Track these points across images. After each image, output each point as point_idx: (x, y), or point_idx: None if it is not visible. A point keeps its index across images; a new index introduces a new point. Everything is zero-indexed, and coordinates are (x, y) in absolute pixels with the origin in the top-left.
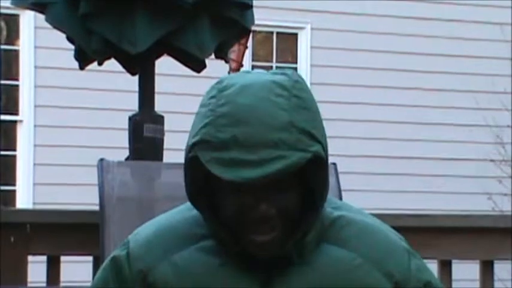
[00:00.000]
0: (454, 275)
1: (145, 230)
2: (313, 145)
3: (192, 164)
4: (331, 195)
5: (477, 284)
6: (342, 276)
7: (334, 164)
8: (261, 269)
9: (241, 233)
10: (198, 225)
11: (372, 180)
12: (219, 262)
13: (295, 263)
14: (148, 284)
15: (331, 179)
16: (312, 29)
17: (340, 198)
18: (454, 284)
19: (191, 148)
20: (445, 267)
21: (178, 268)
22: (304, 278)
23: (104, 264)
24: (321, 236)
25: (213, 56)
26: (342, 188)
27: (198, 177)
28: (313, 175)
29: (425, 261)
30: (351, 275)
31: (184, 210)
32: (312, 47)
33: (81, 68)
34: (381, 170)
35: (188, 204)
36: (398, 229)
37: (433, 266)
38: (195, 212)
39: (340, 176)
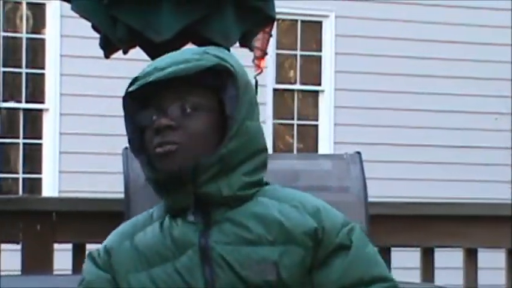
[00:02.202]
0: (480, 264)
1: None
2: (220, 61)
3: (127, 109)
4: (352, 185)
5: (502, 272)
6: (271, 219)
7: (359, 152)
8: (204, 220)
9: (153, 156)
10: (155, 213)
11: (396, 168)
12: (168, 226)
13: (231, 207)
14: (111, 263)
15: (356, 168)
16: (336, 17)
17: (365, 187)
18: (479, 272)
19: (125, 92)
20: (471, 255)
21: (135, 243)
22: (238, 222)
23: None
24: (261, 194)
25: (237, 44)
26: (367, 176)
27: (132, 129)
28: (223, 93)
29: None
30: (279, 218)
31: (144, 212)
32: (336, 35)
33: (106, 56)
34: (405, 158)
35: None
36: (422, 217)
37: (458, 254)
38: (152, 209)
39: (365, 164)
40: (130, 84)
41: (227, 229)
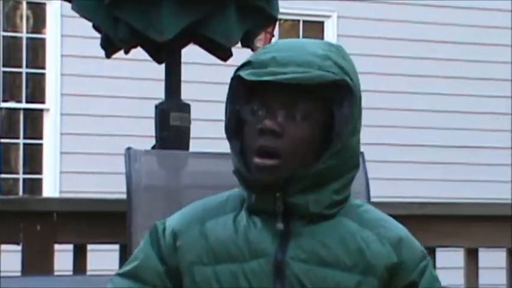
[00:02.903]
0: (481, 263)
1: (181, 209)
2: (342, 74)
3: (233, 91)
4: (354, 185)
5: (503, 272)
6: (352, 244)
7: (362, 152)
8: (283, 229)
9: (250, 156)
10: (230, 201)
11: (398, 168)
12: (244, 224)
13: (313, 221)
14: (177, 247)
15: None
16: (338, 17)
17: (368, 187)
18: (480, 272)
19: (234, 73)
20: (472, 255)
21: (205, 232)
22: (318, 239)
23: (145, 236)
24: (343, 213)
25: (239, 44)
26: (369, 176)
27: (234, 113)
28: (337, 109)
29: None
30: (360, 244)
31: (217, 195)
32: (338, 35)
33: (108, 56)
34: (406, 158)
35: (222, 193)
36: (424, 217)
37: (459, 254)
38: (227, 194)
39: (367, 165)
40: (242, 65)
41: (305, 244)
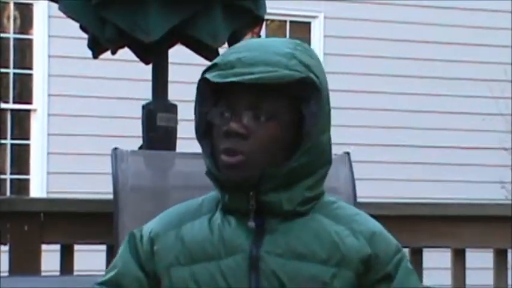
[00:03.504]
0: (468, 264)
1: (158, 215)
2: (308, 72)
3: (201, 93)
4: (340, 185)
5: (491, 272)
6: (326, 238)
7: (348, 153)
8: (257, 227)
9: (218, 156)
10: (205, 204)
11: (385, 168)
12: (219, 224)
13: (287, 219)
14: (154, 252)
15: (345, 168)
16: (325, 17)
17: (354, 187)
18: (467, 273)
19: (201, 75)
20: (459, 255)
21: (181, 235)
22: (292, 235)
23: (123, 243)
24: (316, 209)
25: (226, 44)
26: (355, 177)
27: (203, 115)
28: (305, 107)
29: (438, 250)
30: (334, 238)
31: (193, 200)
32: (325, 36)
33: (95, 57)
34: (394, 159)
35: (197, 198)
36: (411, 218)
37: (446, 255)
38: (202, 198)
39: (353, 165)
40: (209, 68)
41: (280, 239)
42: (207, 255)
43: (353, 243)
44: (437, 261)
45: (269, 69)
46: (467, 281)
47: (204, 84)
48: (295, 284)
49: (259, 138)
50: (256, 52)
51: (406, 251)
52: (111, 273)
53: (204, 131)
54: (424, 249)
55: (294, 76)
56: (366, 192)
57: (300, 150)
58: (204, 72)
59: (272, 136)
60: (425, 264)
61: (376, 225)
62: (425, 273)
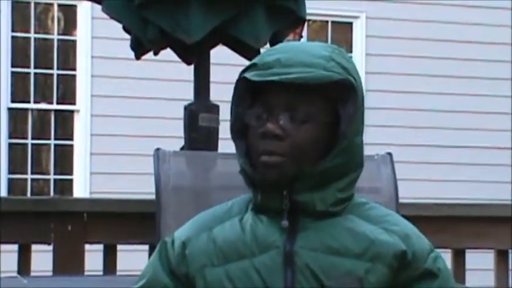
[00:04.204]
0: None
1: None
2: (346, 75)
3: (238, 93)
4: (382, 186)
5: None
6: (360, 234)
7: (390, 153)
8: (289, 226)
9: (255, 158)
10: (235, 206)
11: (427, 169)
12: (250, 223)
13: (319, 218)
14: (186, 255)
15: (387, 169)
16: (367, 17)
17: (396, 188)
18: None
19: (240, 75)
20: (502, 256)
21: (213, 237)
22: (325, 232)
23: (154, 251)
24: (348, 210)
25: (268, 45)
26: (397, 177)
27: (239, 115)
28: (342, 109)
29: (481, 251)
30: (368, 235)
31: (222, 204)
32: (367, 36)
33: (137, 57)
34: (436, 159)
35: (227, 201)
36: (454, 218)
37: (489, 256)
38: (232, 201)
39: (396, 165)
40: (247, 68)
41: (313, 236)
42: (240, 254)
43: (387, 239)
44: (480, 262)
45: (307, 70)
46: (511, 282)
47: (241, 84)
48: (331, 278)
49: (295, 139)
50: (294, 54)
51: (448, 252)
52: (141, 283)
53: (239, 131)
54: (467, 251)
55: (333, 77)
56: (408, 193)
57: (335, 151)
58: (243, 72)
59: (308, 137)
60: (468, 265)
61: (408, 225)
62: (468, 274)
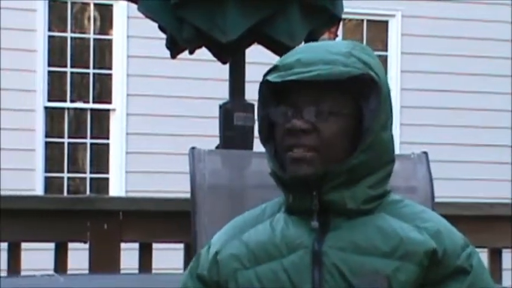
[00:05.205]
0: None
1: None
2: (367, 69)
3: (263, 96)
4: (419, 185)
5: None
6: (390, 232)
7: (426, 152)
8: (321, 226)
9: (283, 155)
10: (268, 210)
11: (463, 168)
12: (281, 224)
13: (351, 217)
14: (217, 261)
15: (423, 168)
16: (402, 16)
17: (432, 187)
18: None
19: (262, 78)
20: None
21: (245, 240)
22: (355, 231)
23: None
24: (381, 209)
25: (303, 44)
26: (433, 176)
27: (266, 117)
28: (365, 104)
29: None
30: (398, 233)
31: (256, 208)
32: (402, 35)
33: (173, 56)
34: (472, 158)
35: (261, 205)
36: (490, 218)
37: None
38: (265, 204)
39: (432, 165)
40: (270, 71)
41: (343, 235)
42: (269, 255)
43: (416, 237)
44: None
45: (327, 67)
46: None
47: (265, 87)
48: (358, 277)
49: (322, 133)
50: (314, 53)
51: (484, 251)
52: None
53: (267, 134)
54: (503, 250)
55: (352, 72)
56: (444, 192)
57: (361, 147)
58: (265, 75)
59: (334, 131)
60: (504, 264)
61: (442, 222)
62: (504, 274)
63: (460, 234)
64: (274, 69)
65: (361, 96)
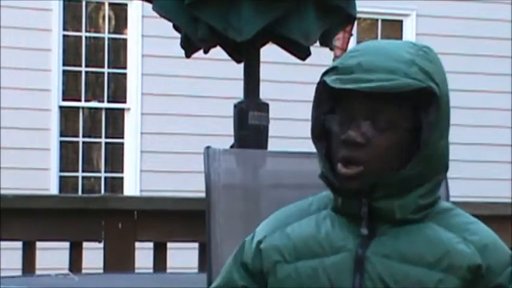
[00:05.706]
0: None
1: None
2: (428, 81)
3: (319, 96)
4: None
5: None
6: (436, 243)
7: None
8: (368, 233)
9: (336, 164)
10: (314, 204)
11: (479, 168)
12: (327, 222)
13: (398, 225)
14: (260, 250)
15: None
16: (417, 15)
17: (447, 186)
18: None
19: (320, 78)
20: None
21: (288, 233)
22: (401, 239)
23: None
24: (430, 218)
25: (317, 43)
26: (448, 176)
27: (319, 118)
28: (424, 116)
29: None
30: (444, 244)
31: (303, 200)
32: (417, 34)
33: (187, 56)
34: (488, 158)
35: (307, 198)
36: (507, 217)
37: None
38: (312, 198)
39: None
40: (328, 71)
41: (388, 242)
42: (311, 252)
43: (463, 250)
44: None
45: (388, 77)
46: None
47: (322, 88)
48: (401, 286)
49: (377, 147)
50: (376, 56)
51: None
52: (215, 284)
53: (319, 134)
54: None
55: (413, 85)
56: (459, 192)
57: (416, 159)
58: (323, 75)
59: (390, 145)
60: None
61: (490, 236)
62: None
63: (507, 250)
64: (333, 70)
65: (420, 108)
